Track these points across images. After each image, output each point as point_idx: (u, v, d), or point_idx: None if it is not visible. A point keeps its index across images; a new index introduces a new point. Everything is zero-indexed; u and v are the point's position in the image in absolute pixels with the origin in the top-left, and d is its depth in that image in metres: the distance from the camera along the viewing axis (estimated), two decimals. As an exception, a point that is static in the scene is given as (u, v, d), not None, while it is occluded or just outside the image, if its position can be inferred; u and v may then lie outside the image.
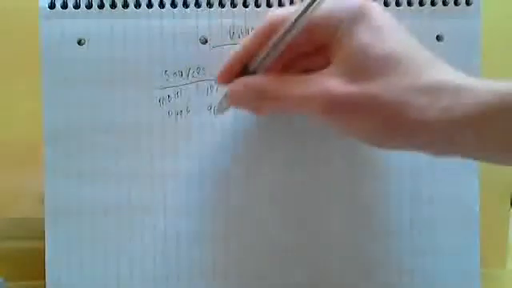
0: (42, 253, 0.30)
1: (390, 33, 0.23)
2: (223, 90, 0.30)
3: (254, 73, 0.25)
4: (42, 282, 0.30)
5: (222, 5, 0.30)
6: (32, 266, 0.32)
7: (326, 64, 0.24)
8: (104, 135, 0.30)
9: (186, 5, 0.30)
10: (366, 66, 0.22)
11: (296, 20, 0.23)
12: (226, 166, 0.30)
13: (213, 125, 0.30)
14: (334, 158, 0.30)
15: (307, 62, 0.27)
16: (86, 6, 0.29)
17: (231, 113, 0.30)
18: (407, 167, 0.31)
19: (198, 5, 0.30)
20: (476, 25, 0.30)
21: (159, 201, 0.30)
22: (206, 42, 0.30)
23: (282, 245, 0.30)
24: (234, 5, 0.30)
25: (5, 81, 0.35)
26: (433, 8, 0.30)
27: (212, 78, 0.30)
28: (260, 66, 0.25)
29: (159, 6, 0.30)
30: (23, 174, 0.36)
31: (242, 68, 0.26)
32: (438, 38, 0.30)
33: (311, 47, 0.25)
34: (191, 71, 0.30)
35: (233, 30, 0.30)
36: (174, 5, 0.30)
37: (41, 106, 0.29)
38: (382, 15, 0.23)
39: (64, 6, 0.29)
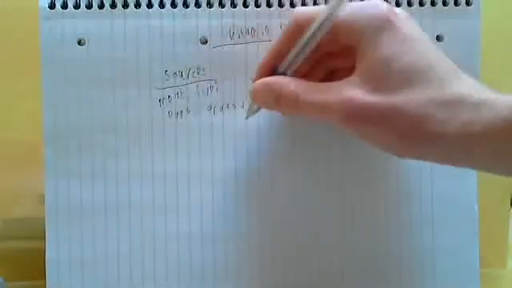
0: (42, 253, 0.30)
1: (415, 43, 0.23)
2: (223, 90, 0.30)
3: (284, 74, 0.25)
4: (42, 281, 0.30)
5: (222, 5, 0.30)
6: (32, 265, 0.32)
7: (351, 66, 0.24)
8: (104, 135, 0.30)
9: (185, 5, 0.30)
10: (388, 78, 0.22)
11: (324, 21, 0.23)
12: (226, 166, 0.30)
13: (213, 125, 0.30)
14: (334, 158, 0.30)
15: (333, 63, 0.27)
16: (86, 6, 0.29)
17: (231, 113, 0.30)
18: (407, 167, 0.31)
19: (198, 5, 0.30)
20: (476, 25, 0.30)
21: (159, 201, 0.30)
22: (206, 42, 0.30)
23: (282, 245, 0.30)
24: (234, 5, 0.30)
25: (5, 81, 0.35)
26: (433, 8, 0.30)
27: (212, 78, 0.30)
28: (289, 67, 0.25)
29: (159, 6, 0.30)
30: (23, 174, 0.36)
31: (274, 68, 0.26)
32: (438, 38, 0.30)
33: (336, 48, 0.25)
34: (191, 71, 0.30)
35: (233, 30, 0.30)
36: (174, 5, 0.30)
37: (41, 106, 0.29)
38: (407, 24, 0.23)
39: (64, 6, 0.29)
